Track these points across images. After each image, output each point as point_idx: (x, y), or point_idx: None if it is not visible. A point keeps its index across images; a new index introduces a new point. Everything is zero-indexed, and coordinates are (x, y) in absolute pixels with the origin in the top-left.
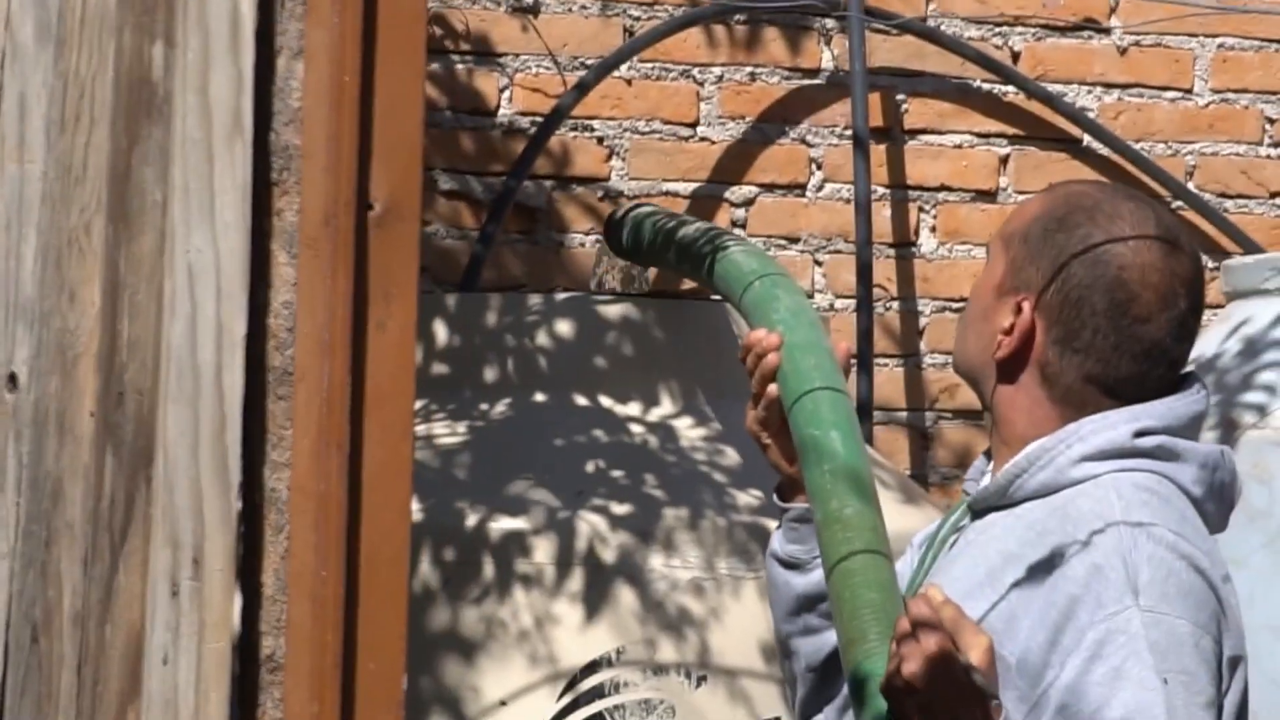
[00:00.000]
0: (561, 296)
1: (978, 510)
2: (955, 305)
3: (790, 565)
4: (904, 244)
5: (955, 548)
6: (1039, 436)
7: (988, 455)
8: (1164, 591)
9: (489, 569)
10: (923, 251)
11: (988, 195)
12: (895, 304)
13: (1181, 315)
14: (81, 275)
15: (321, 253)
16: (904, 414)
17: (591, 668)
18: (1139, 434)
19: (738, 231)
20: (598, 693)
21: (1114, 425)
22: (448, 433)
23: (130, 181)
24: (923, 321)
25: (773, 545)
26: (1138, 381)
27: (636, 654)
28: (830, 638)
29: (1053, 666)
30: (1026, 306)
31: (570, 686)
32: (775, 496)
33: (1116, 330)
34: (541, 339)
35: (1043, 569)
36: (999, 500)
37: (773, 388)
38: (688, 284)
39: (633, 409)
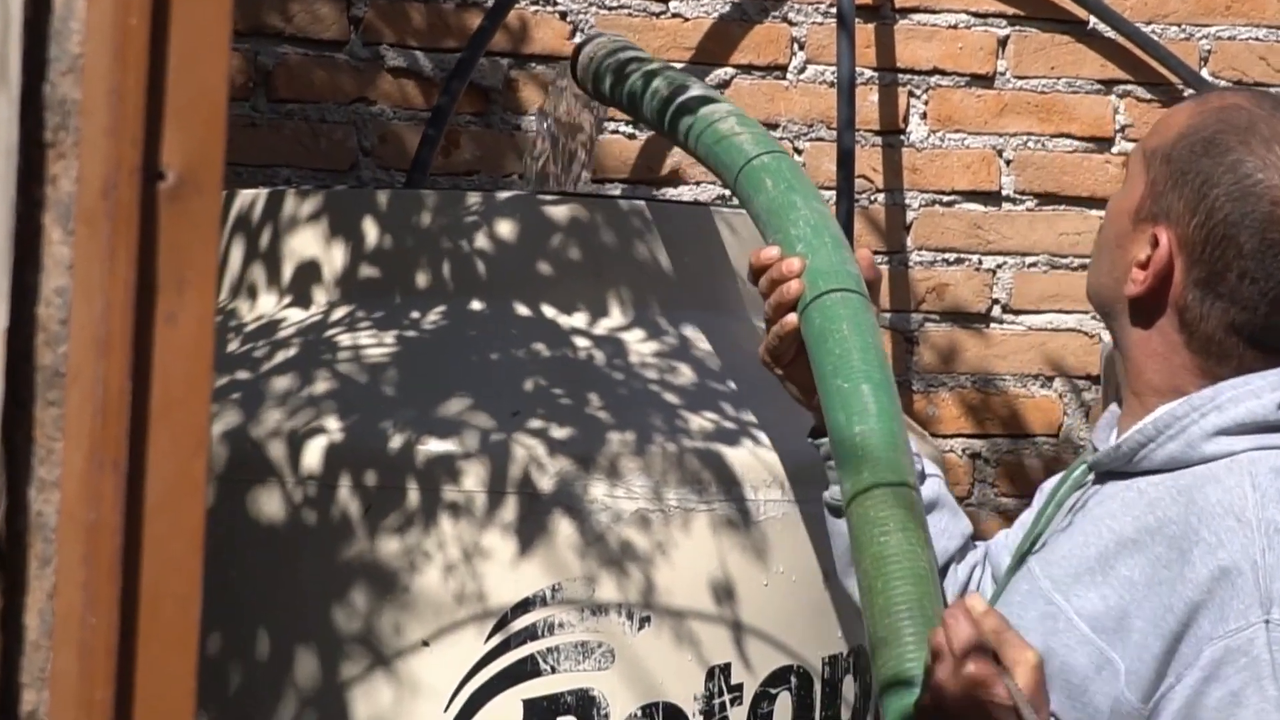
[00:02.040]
0: (503, 195)
1: (1100, 472)
2: (945, 198)
3: (836, 510)
4: (892, 131)
5: (1071, 514)
6: (1174, 388)
7: (1120, 402)
8: None
9: (413, 496)
10: (912, 140)
11: (984, 80)
12: (880, 196)
13: None
14: None
15: (99, 230)
16: (887, 315)
17: (524, 606)
18: None
19: None
20: (530, 634)
21: (1257, 393)
22: (374, 343)
23: None
24: (910, 215)
25: (825, 492)
26: None
27: (573, 592)
28: None
29: (1167, 678)
30: (1165, 239)
31: (500, 626)
32: (809, 437)
33: (1266, 275)
34: (480, 241)
35: (1162, 565)
36: (1122, 467)
37: (791, 318)
38: (626, 175)
39: (578, 320)
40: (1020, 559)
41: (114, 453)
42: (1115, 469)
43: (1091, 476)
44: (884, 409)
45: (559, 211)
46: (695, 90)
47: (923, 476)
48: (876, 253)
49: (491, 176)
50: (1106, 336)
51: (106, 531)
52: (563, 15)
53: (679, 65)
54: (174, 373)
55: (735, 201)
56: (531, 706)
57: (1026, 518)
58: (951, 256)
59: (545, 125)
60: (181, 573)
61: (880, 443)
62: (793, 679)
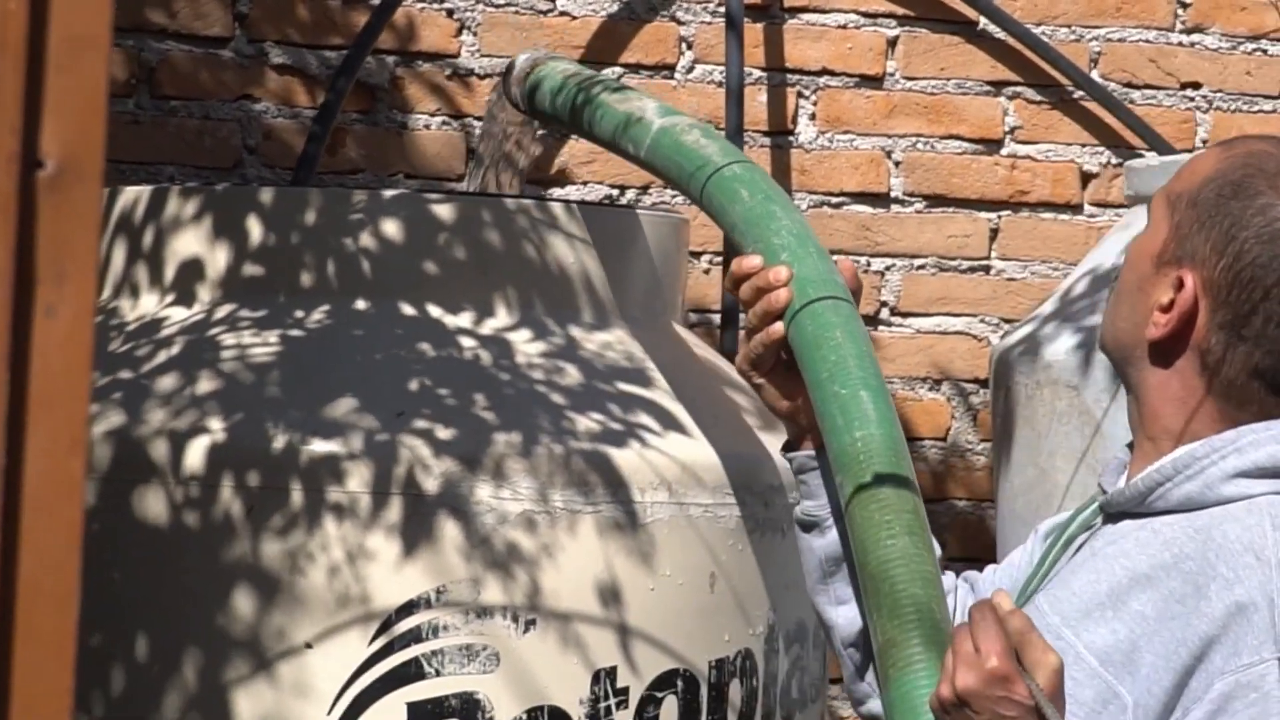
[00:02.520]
0: (389, 194)
1: (1111, 513)
2: (834, 200)
3: (807, 526)
4: (780, 132)
5: (1080, 554)
6: (1191, 432)
7: (1130, 446)
8: None
9: (297, 497)
10: (801, 141)
11: (873, 81)
12: None
13: None
14: None
15: None
16: None
17: (408, 609)
18: None
19: None
20: (414, 636)
21: (1279, 438)
22: (257, 343)
23: None
24: None
25: (796, 508)
26: None
27: (459, 594)
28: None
29: (1175, 712)
30: (1190, 282)
31: (384, 629)
32: (782, 450)
33: None
34: (365, 240)
35: (1175, 600)
36: (1135, 507)
37: (778, 326)
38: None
39: (464, 320)
40: (1027, 597)
41: None
42: (1128, 509)
43: (1101, 518)
44: (884, 415)
45: (445, 210)
46: (650, 103)
47: None
48: None
49: (377, 175)
50: (995, 340)
51: None
52: (450, 13)
53: None
54: (52, 367)
55: (624, 201)
56: (415, 710)
57: (1017, 557)
58: (840, 258)
59: (486, 133)
60: (59, 573)
61: (883, 447)
62: (679, 682)
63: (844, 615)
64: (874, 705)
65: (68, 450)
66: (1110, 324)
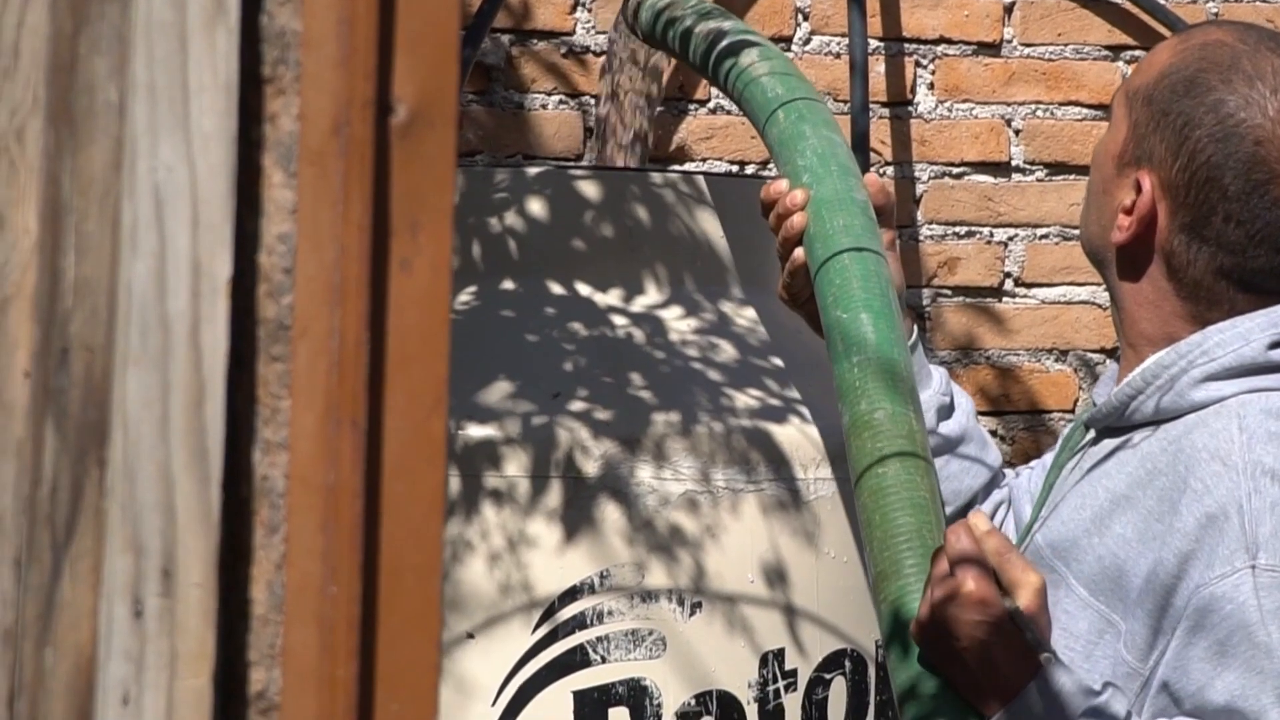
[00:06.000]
0: (533, 170)
1: (1097, 429)
2: (955, 170)
3: None
4: (899, 103)
5: (1070, 477)
6: (1166, 336)
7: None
8: None
9: (454, 484)
10: (919, 111)
11: (990, 48)
12: (890, 169)
13: None
14: (12, 194)
15: (330, 170)
16: None
17: (571, 595)
18: (1276, 344)
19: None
20: (578, 623)
21: (1246, 335)
22: None
23: (76, 74)
24: (919, 189)
25: None
26: (1278, 273)
27: (622, 579)
28: None
29: (1164, 634)
30: (1147, 184)
31: (547, 616)
32: None
33: (1252, 217)
34: (510, 219)
35: (1154, 518)
36: (1116, 422)
37: (799, 252)
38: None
39: (614, 298)
40: (1027, 529)
41: (351, 410)
42: (1110, 424)
43: (1091, 434)
44: (885, 337)
45: (590, 187)
46: (738, 36)
47: (950, 409)
48: None
49: (494, 156)
50: None
51: (346, 495)
52: None
53: None
54: (409, 323)
55: (771, 172)
56: (582, 699)
57: (1048, 458)
58: (962, 230)
59: (609, 84)
60: (422, 541)
61: (877, 371)
62: (847, 663)
63: None
64: None
65: (429, 410)
66: (1084, 227)
